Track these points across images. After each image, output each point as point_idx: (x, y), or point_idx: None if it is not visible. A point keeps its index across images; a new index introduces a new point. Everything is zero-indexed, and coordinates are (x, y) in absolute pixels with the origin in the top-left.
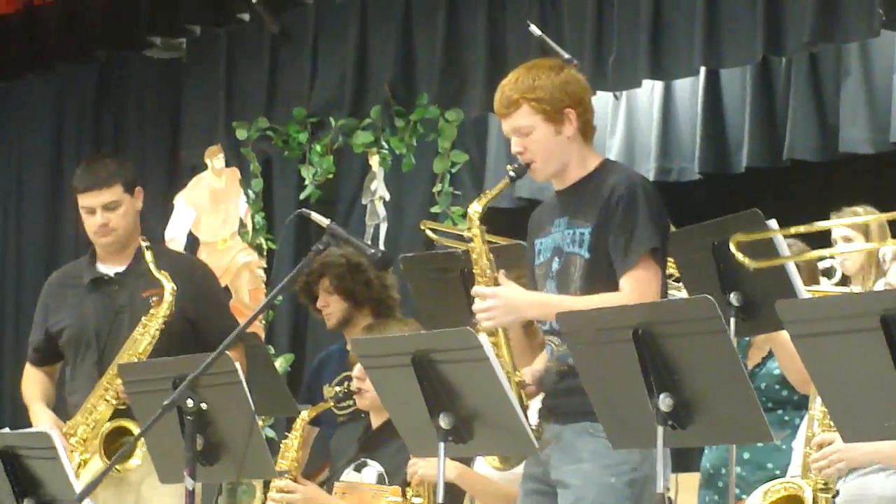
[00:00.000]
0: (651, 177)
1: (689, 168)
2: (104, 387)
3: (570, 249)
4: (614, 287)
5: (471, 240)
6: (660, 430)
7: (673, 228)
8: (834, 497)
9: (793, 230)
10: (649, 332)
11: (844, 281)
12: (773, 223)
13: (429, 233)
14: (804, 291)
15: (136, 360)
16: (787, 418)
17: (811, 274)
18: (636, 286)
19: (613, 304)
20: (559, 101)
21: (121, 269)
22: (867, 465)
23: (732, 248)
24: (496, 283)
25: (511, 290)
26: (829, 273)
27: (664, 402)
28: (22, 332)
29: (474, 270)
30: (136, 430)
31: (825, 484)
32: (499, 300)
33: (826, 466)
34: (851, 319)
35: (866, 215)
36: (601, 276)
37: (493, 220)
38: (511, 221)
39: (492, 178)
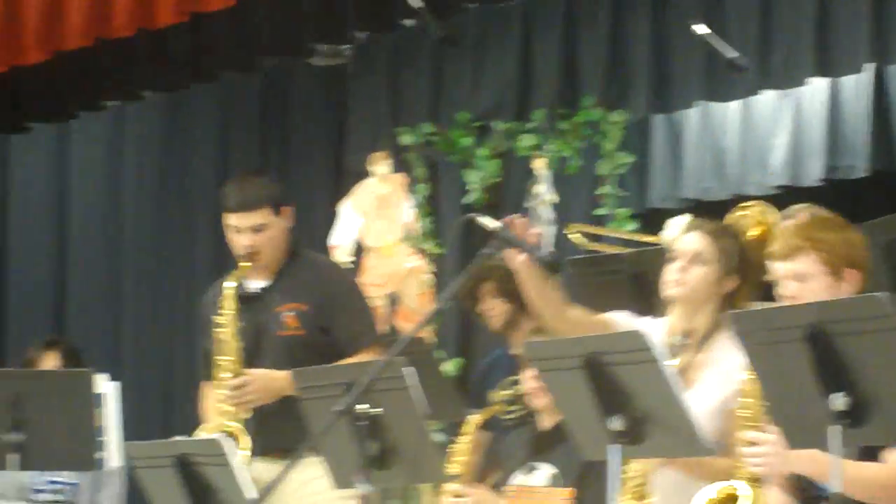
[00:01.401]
0: (819, 175)
1: (858, 165)
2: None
3: None
4: None
5: None
6: (834, 429)
7: None
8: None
9: None
10: (822, 330)
11: None
12: None
13: (575, 237)
14: None
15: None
16: None
17: None
18: None
19: None
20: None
21: (265, 284)
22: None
23: None
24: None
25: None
26: None
27: (839, 400)
28: (193, 343)
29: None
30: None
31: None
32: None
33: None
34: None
35: None
36: None
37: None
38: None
39: (657, 179)
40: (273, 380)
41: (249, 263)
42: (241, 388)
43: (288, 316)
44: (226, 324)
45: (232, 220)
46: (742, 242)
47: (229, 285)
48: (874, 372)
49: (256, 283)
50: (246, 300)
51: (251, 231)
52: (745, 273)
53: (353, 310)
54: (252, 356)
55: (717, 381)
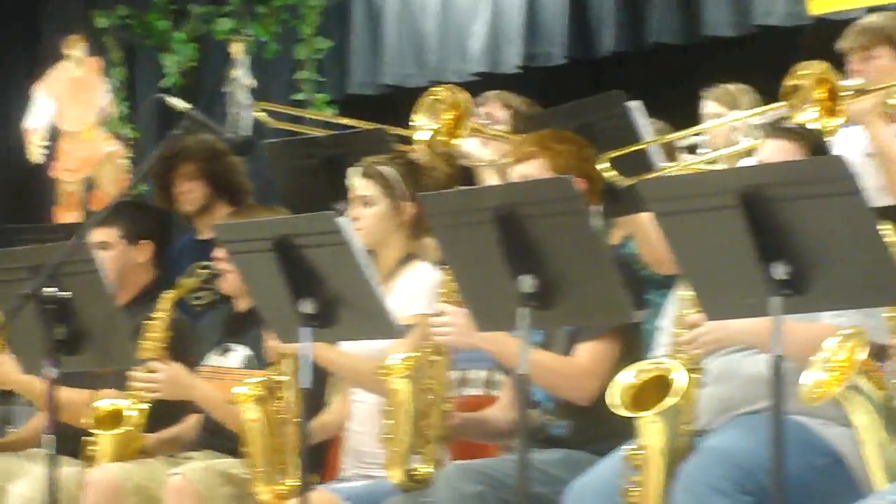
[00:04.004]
0: (517, 62)
1: (554, 52)
2: None
3: None
4: None
5: None
6: (521, 311)
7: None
8: (702, 376)
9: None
10: (511, 213)
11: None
12: (634, 104)
13: (262, 116)
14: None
15: None
16: (647, 297)
17: (670, 154)
18: None
19: None
20: None
21: None
22: (737, 345)
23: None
24: None
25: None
26: (693, 149)
27: (527, 283)
28: None
29: None
30: None
31: (694, 364)
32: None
33: (696, 347)
34: (712, 197)
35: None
36: None
37: (357, 106)
38: (375, 108)
39: (356, 65)
40: None
41: None
42: None
43: None
44: None
45: None
46: (417, 165)
47: None
48: (560, 254)
49: None
50: None
51: None
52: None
53: None
54: None
55: (400, 306)
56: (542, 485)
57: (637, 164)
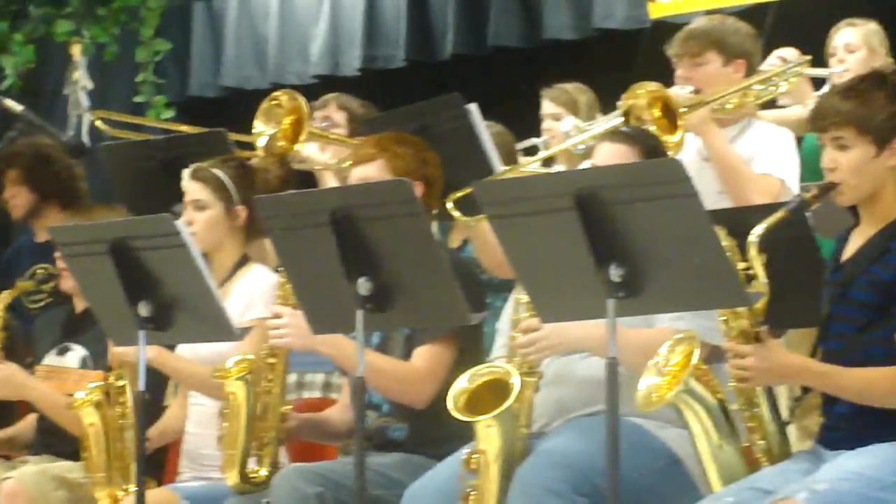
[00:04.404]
0: (357, 65)
1: (395, 55)
2: None
3: None
4: None
5: None
6: (358, 314)
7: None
8: (538, 380)
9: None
10: (347, 215)
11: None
12: (472, 107)
13: (99, 123)
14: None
15: None
16: (487, 301)
17: (510, 156)
18: None
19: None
20: None
21: None
22: (575, 350)
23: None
24: None
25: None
26: (532, 152)
27: (364, 285)
28: None
29: None
30: None
31: (530, 368)
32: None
33: (533, 351)
34: (547, 199)
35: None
36: None
37: (197, 108)
38: (216, 110)
39: (197, 67)
40: None
41: None
42: None
43: None
44: None
45: None
46: (249, 168)
47: None
48: (397, 257)
49: None
50: None
51: None
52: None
53: None
54: None
55: (237, 309)
56: (381, 487)
57: (478, 168)
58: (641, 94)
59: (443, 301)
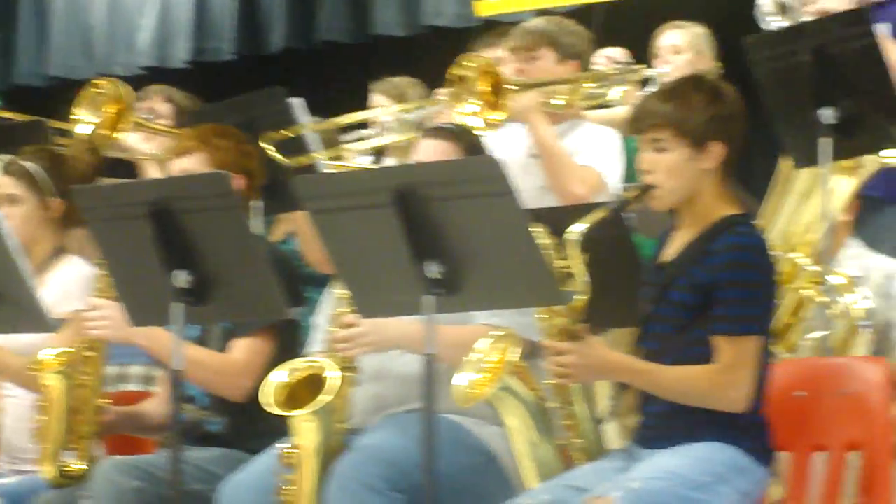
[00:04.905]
0: (186, 57)
1: (223, 48)
2: None
3: None
4: None
5: None
6: (175, 306)
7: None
8: (356, 375)
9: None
10: (165, 208)
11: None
12: (297, 102)
13: None
14: (325, 168)
15: None
16: (307, 295)
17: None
18: None
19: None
20: None
21: None
22: (393, 346)
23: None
24: None
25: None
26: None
27: (181, 278)
28: None
29: None
30: None
31: (348, 363)
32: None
33: (352, 347)
34: (366, 195)
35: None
36: None
37: (23, 97)
38: (42, 99)
39: (22, 55)
40: None
41: None
42: None
43: None
44: None
45: None
46: (61, 158)
47: None
48: (215, 250)
49: None
50: None
51: None
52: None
53: None
54: None
55: (53, 301)
56: (199, 482)
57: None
58: (475, 66)
59: (260, 295)
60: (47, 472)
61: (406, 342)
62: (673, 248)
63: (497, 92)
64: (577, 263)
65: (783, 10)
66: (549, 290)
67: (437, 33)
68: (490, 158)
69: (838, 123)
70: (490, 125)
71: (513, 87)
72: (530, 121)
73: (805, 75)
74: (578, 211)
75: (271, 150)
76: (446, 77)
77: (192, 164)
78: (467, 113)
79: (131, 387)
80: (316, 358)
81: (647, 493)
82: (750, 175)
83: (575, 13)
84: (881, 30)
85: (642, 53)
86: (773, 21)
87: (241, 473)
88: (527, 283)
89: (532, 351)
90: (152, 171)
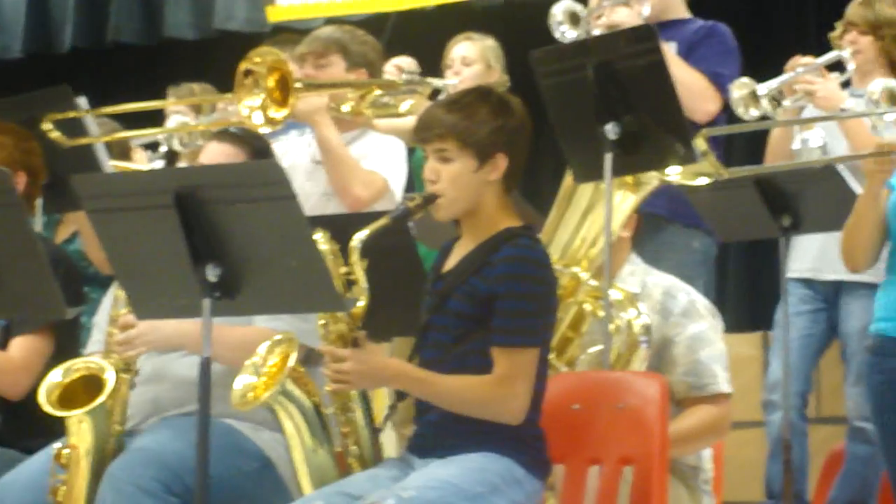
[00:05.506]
0: None
1: (12, 46)
2: None
3: None
4: None
5: None
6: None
7: None
8: (134, 377)
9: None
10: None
11: None
12: (82, 101)
13: None
14: (110, 168)
15: None
16: (90, 294)
17: (124, 152)
18: None
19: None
20: None
21: None
22: (171, 348)
23: (47, 126)
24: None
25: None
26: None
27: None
28: None
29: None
30: None
31: (126, 364)
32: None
33: (129, 348)
34: (146, 196)
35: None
36: None
37: None
38: None
39: None
40: None
41: None
42: None
43: None
44: None
45: None
46: None
47: None
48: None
49: None
50: None
51: None
52: None
53: None
54: None
55: None
56: None
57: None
58: (263, 61)
59: (39, 293)
60: None
61: (182, 342)
62: (454, 259)
63: (284, 89)
64: (358, 270)
65: (574, 20)
66: (328, 297)
67: (228, 37)
68: (272, 163)
69: (620, 139)
70: (271, 122)
71: (300, 86)
72: (316, 122)
73: (589, 90)
74: (362, 219)
75: (52, 132)
76: (235, 73)
77: None
78: (252, 107)
79: None
80: (94, 358)
81: (420, 502)
82: (537, 189)
83: (367, 23)
84: (668, 48)
85: (433, 65)
86: (564, 30)
87: (13, 472)
88: (306, 289)
89: (311, 357)
90: None
